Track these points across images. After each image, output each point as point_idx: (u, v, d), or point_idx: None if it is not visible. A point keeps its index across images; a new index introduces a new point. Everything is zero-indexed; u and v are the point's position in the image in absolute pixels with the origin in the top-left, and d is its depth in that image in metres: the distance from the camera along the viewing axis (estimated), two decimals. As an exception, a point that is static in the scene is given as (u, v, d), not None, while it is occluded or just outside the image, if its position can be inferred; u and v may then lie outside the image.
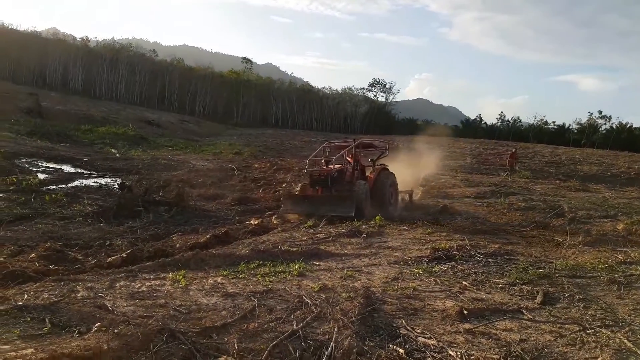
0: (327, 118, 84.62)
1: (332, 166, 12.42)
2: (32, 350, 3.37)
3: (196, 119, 65.74)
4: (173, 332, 3.72)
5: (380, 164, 13.84)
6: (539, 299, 5.18)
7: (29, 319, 4.04)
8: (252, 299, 4.88)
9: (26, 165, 16.85)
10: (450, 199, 15.57)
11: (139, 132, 37.88)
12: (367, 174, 13.03)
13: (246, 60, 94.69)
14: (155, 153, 28.71)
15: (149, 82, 72.25)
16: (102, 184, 15.19)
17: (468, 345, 3.93)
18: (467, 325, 4.35)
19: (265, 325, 4.15)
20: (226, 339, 3.82)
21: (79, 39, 75.86)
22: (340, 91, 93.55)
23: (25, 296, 4.70)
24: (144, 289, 5.22)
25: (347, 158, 13.23)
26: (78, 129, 33.30)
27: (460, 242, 8.16)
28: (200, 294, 5.12)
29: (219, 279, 5.71)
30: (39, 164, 17.92)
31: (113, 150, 27.07)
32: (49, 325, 3.91)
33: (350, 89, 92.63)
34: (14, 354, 3.31)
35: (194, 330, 3.89)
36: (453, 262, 6.84)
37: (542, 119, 79.97)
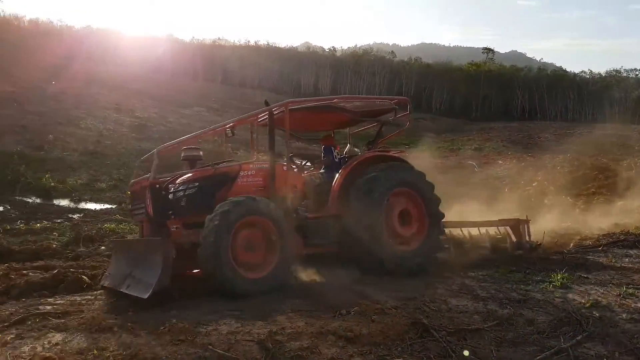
0: (586, 106, 72.87)
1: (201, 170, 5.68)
2: (304, 324, 3.83)
3: (431, 116, 65.82)
4: (427, 327, 3.68)
5: (380, 148, 6.74)
6: None
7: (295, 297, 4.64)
8: (507, 306, 4.50)
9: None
10: None
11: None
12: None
13: (487, 50, 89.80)
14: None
15: (387, 83, 75.65)
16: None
17: None
18: None
19: (526, 337, 3.75)
20: (481, 344, 3.58)
21: (327, 50, 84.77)
22: (603, 74, 79.87)
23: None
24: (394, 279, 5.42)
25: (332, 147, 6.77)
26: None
27: None
28: (448, 292, 5.03)
29: (466, 281, 5.54)
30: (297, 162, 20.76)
31: (356, 150, 29.30)
32: (313, 304, 4.40)
33: (617, 71, 78.19)
34: (289, 324, 3.82)
35: (447, 329, 3.76)
36: None
37: None
